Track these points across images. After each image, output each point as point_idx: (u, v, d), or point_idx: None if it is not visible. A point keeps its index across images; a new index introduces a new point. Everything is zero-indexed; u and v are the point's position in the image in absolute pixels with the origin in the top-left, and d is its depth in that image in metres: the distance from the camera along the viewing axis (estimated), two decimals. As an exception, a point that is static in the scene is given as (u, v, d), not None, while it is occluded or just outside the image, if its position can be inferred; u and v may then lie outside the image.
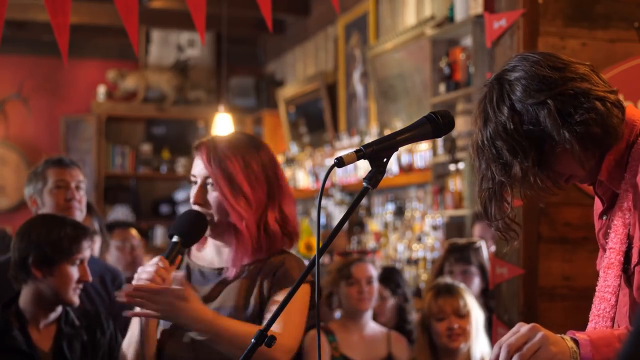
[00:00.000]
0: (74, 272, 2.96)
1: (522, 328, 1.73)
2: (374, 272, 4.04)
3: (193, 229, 2.43)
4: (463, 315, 3.64)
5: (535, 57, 1.85)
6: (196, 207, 2.46)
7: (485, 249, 4.44)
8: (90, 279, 2.99)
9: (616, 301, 1.81)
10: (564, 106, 1.78)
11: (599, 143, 1.80)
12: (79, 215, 3.57)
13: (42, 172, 3.58)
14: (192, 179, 2.49)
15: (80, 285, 2.99)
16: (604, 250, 1.90)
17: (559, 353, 1.69)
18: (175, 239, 2.39)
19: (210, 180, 2.44)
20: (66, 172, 3.59)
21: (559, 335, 1.74)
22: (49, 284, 2.96)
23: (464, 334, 3.63)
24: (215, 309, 2.40)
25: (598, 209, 1.99)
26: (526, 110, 1.80)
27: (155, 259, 2.34)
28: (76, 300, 2.98)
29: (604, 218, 1.93)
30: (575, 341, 1.72)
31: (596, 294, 1.85)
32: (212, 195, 2.44)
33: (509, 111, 1.81)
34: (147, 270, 2.33)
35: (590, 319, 1.85)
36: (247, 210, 2.42)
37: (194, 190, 2.47)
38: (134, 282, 2.34)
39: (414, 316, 4.47)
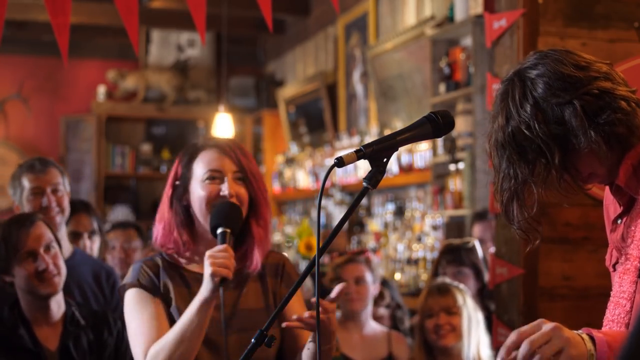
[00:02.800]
0: (27, 267, 2.97)
1: (545, 326, 1.68)
2: (366, 272, 4.00)
3: (237, 218, 2.42)
4: (453, 313, 3.63)
5: (557, 54, 1.83)
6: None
7: (480, 248, 4.42)
8: (50, 266, 2.96)
9: (631, 307, 1.78)
10: (590, 106, 1.76)
11: (623, 142, 1.79)
12: (60, 217, 3.54)
13: (18, 179, 3.54)
14: None
15: (52, 274, 2.97)
16: (619, 253, 1.88)
17: (578, 356, 1.66)
18: (220, 230, 2.35)
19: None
20: (40, 177, 3.52)
21: (577, 333, 1.71)
22: (17, 285, 3.01)
23: (454, 331, 3.62)
24: None
25: (609, 210, 1.96)
26: (550, 109, 1.78)
27: (222, 247, 2.30)
28: (52, 289, 2.97)
29: (619, 222, 1.91)
30: (592, 340, 1.69)
31: (611, 299, 1.83)
32: None
33: (532, 109, 1.78)
34: (222, 254, 2.28)
35: (604, 324, 1.83)
36: None
37: None
38: (207, 265, 2.26)
39: (407, 324, 4.45)
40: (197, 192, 2.44)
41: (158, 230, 2.48)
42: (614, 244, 1.92)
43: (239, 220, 2.41)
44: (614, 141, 1.78)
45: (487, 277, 4.31)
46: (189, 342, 2.26)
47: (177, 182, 2.49)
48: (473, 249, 4.36)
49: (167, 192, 2.49)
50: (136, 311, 2.38)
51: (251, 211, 2.47)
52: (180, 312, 2.34)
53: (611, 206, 1.96)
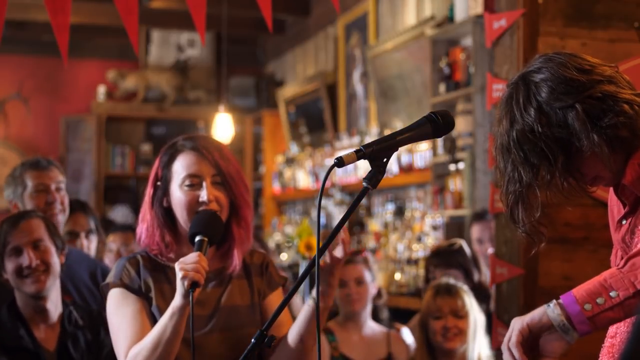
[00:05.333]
0: (14, 262, 2.97)
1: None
2: (365, 272, 4.00)
3: (216, 227, 2.42)
4: (461, 316, 3.63)
5: (561, 58, 1.84)
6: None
7: (468, 249, 4.40)
8: (33, 263, 2.95)
9: None
10: (593, 109, 1.78)
11: (626, 146, 1.80)
12: (62, 216, 3.54)
13: (20, 176, 3.53)
14: None
15: (38, 270, 2.96)
16: (624, 253, 1.88)
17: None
18: (197, 238, 2.35)
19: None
20: (44, 174, 3.52)
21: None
22: (10, 281, 3.00)
23: (461, 334, 3.61)
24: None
25: (614, 210, 1.96)
26: (554, 113, 1.79)
27: (193, 254, 2.30)
28: (36, 287, 2.96)
29: (624, 222, 1.91)
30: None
31: None
32: None
33: (536, 113, 1.80)
34: (192, 259, 2.27)
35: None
36: None
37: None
38: (177, 270, 2.26)
39: (385, 314, 4.44)
40: (178, 197, 2.44)
41: (142, 230, 2.49)
42: (619, 244, 1.92)
43: (219, 229, 2.41)
44: (617, 144, 1.79)
45: (477, 277, 4.30)
46: (165, 346, 2.27)
47: (158, 183, 2.49)
48: (460, 250, 4.34)
49: (149, 191, 2.49)
50: (118, 310, 2.40)
51: (232, 213, 2.47)
52: (161, 311, 2.35)
53: (615, 207, 1.96)
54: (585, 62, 1.84)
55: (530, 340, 1.74)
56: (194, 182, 2.43)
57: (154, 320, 2.36)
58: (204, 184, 2.42)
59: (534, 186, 1.81)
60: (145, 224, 2.48)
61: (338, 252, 2.27)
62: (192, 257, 2.27)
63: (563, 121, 1.78)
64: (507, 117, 1.84)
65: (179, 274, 2.25)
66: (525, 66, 1.90)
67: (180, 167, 2.45)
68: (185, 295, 2.24)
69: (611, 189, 1.94)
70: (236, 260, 2.47)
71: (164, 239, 2.45)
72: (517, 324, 1.74)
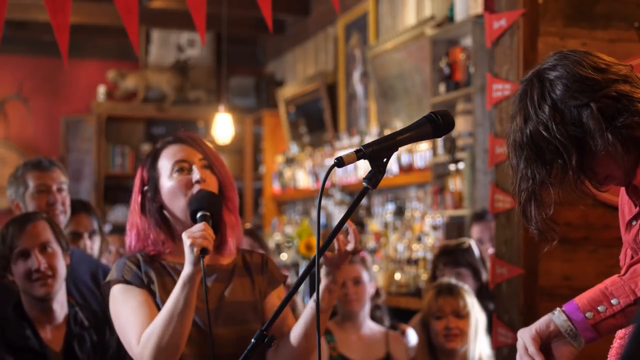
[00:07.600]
0: (20, 267, 2.96)
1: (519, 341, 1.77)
2: (363, 272, 4.01)
3: (216, 204, 2.44)
4: (462, 316, 3.63)
5: (576, 56, 1.84)
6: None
7: (476, 248, 4.41)
8: (42, 266, 2.94)
9: None
10: (608, 109, 1.77)
11: None
12: (63, 217, 3.54)
13: (22, 176, 3.53)
14: None
15: (45, 275, 2.95)
16: (634, 253, 1.88)
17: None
18: (200, 213, 2.36)
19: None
20: (46, 175, 3.53)
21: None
22: (18, 284, 3.00)
23: (462, 335, 3.61)
24: None
25: (625, 210, 1.96)
26: (568, 111, 1.78)
27: (199, 224, 2.31)
28: (44, 291, 2.96)
29: (634, 223, 1.91)
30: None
31: None
32: None
33: (550, 110, 1.79)
34: (199, 228, 2.29)
35: None
36: None
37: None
38: (185, 239, 2.27)
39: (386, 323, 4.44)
40: (169, 186, 2.45)
41: (131, 237, 2.49)
42: (629, 245, 1.92)
43: (218, 206, 2.42)
44: (631, 144, 1.78)
45: (484, 276, 4.31)
46: (178, 321, 2.26)
47: (145, 188, 2.49)
48: (469, 249, 4.36)
49: (136, 199, 2.49)
50: (124, 304, 2.39)
51: (221, 197, 2.48)
52: (164, 302, 2.33)
53: (626, 206, 1.95)
54: (601, 60, 1.84)
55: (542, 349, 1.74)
56: (183, 166, 2.45)
57: (159, 311, 2.35)
58: (194, 167, 2.45)
59: (547, 184, 1.81)
60: (134, 230, 2.48)
61: (349, 245, 2.26)
62: (199, 226, 2.30)
63: (577, 120, 1.78)
64: (520, 114, 1.83)
65: (186, 242, 2.25)
66: (539, 63, 1.89)
67: (167, 159, 2.47)
68: (195, 263, 2.24)
69: (622, 189, 1.94)
70: (231, 245, 2.48)
71: (159, 237, 2.46)
72: (526, 333, 1.74)
